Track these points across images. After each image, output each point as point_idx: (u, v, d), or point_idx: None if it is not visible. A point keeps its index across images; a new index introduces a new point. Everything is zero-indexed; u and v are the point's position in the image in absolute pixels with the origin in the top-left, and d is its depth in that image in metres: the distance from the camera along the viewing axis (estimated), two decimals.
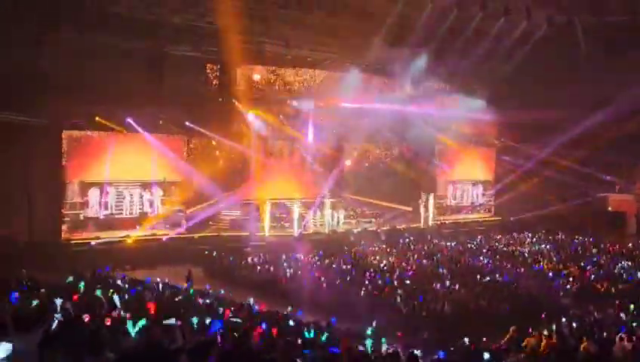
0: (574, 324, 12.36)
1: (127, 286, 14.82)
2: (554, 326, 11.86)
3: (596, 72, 26.18)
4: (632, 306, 14.33)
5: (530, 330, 11.43)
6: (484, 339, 10.87)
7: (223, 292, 16.92)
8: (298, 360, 7.08)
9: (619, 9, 25.03)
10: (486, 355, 9.05)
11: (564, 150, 30.99)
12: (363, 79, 28.76)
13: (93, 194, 24.49)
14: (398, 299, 15.77)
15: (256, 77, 28.89)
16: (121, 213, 25.28)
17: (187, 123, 25.87)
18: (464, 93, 30.58)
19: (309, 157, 30.84)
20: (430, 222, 31.89)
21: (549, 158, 31.85)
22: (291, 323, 11.81)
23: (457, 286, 17.30)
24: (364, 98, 28.61)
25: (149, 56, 24.12)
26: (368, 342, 8.04)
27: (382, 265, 21.30)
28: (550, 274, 19.76)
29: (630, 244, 26.80)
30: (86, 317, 7.83)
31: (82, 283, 13.23)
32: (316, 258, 22.73)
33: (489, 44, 26.80)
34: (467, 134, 33.15)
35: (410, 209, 32.00)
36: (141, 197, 25.75)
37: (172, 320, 5.94)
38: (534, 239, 29.11)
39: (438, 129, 31.58)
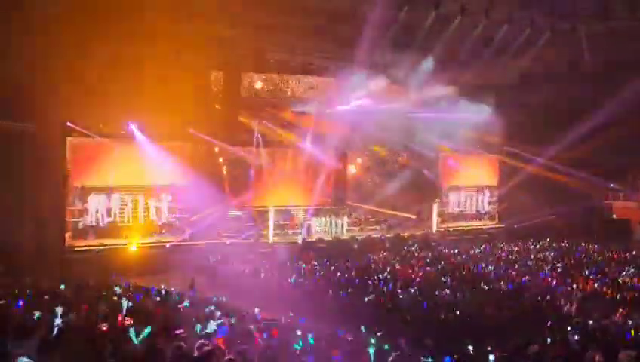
0: (579, 332, 12.26)
1: (130, 293, 14.80)
2: (559, 334, 11.78)
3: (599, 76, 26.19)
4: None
5: (535, 338, 11.35)
6: (489, 347, 10.79)
7: (226, 299, 16.88)
8: None
9: (624, 15, 25.02)
10: (491, 357, 9.00)
11: (568, 157, 30.94)
12: (368, 85, 28.75)
13: (97, 200, 24.50)
14: (402, 307, 15.70)
15: (259, 84, 28.98)
16: (124, 220, 25.26)
17: (190, 130, 25.88)
18: (470, 99, 30.47)
19: (313, 163, 30.85)
20: (434, 229, 31.82)
21: (553, 165, 31.80)
22: (295, 331, 11.74)
23: (461, 294, 17.22)
24: (368, 103, 28.62)
25: (154, 62, 24.17)
26: (371, 350, 7.92)
27: (386, 272, 21.23)
28: (555, 281, 19.67)
29: (635, 251, 26.67)
30: (87, 325, 7.82)
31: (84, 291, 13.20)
32: (320, 265, 22.67)
33: (493, 50, 26.87)
34: (471, 141, 33.05)
35: (414, 217, 31.93)
36: (145, 204, 25.72)
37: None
38: (539, 246, 29.02)
39: (442, 135, 31.51)
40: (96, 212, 24.55)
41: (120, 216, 25.12)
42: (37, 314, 8.45)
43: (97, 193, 24.54)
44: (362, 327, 12.91)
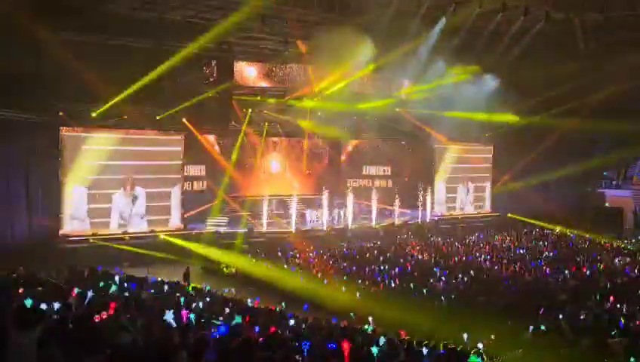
0: (572, 319, 12.39)
1: (125, 283, 14.79)
2: (552, 322, 11.91)
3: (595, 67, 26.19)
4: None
5: (528, 326, 11.47)
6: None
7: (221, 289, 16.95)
8: (297, 356, 7.09)
9: (620, 5, 24.98)
10: (479, 345, 9.09)
11: (561, 145, 30.98)
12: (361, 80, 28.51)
13: (92, 190, 24.23)
14: (396, 296, 15.80)
15: (254, 73, 28.80)
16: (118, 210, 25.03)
17: (185, 120, 25.68)
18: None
19: (307, 152, 30.82)
20: (428, 218, 31.81)
21: (547, 154, 31.80)
22: (289, 320, 11.81)
23: (455, 282, 17.33)
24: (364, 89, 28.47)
25: (147, 53, 24.01)
26: (374, 350, 7.77)
27: (379, 261, 21.31)
28: (547, 269, 19.82)
29: (627, 240, 26.91)
30: (87, 315, 7.82)
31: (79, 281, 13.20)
32: (313, 254, 22.73)
33: (488, 39, 26.78)
34: (466, 129, 32.62)
35: (408, 211, 31.79)
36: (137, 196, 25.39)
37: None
38: (532, 235, 29.17)
39: (437, 122, 31.08)
40: (95, 201, 24.21)
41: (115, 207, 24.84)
42: (34, 304, 8.44)
43: (94, 183, 24.13)
44: (351, 314, 13.05)
